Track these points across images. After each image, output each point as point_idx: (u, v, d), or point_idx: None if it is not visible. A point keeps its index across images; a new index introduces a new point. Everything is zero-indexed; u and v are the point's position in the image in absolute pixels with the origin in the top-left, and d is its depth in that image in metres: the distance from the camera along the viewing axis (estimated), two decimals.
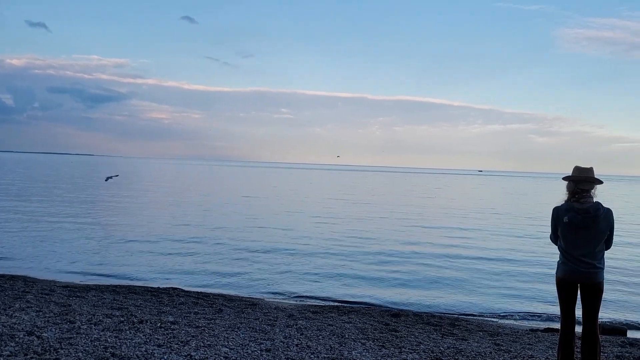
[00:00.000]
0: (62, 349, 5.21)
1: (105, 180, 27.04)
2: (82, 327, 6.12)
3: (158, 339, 5.78)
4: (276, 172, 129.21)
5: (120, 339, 5.66)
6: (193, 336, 5.98)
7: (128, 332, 6.01)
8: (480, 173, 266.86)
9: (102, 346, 5.37)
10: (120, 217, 22.02)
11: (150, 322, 6.56)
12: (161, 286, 10.15)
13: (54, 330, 5.91)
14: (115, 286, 9.83)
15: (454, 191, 61.43)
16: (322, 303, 9.65)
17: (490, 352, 6.19)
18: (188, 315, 7.30)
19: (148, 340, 5.71)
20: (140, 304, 7.99)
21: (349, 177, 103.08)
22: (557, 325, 6.16)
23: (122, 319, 6.69)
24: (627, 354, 6.47)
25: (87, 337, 5.68)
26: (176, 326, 6.45)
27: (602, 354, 6.29)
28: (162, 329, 6.24)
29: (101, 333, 5.88)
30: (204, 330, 6.34)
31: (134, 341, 5.62)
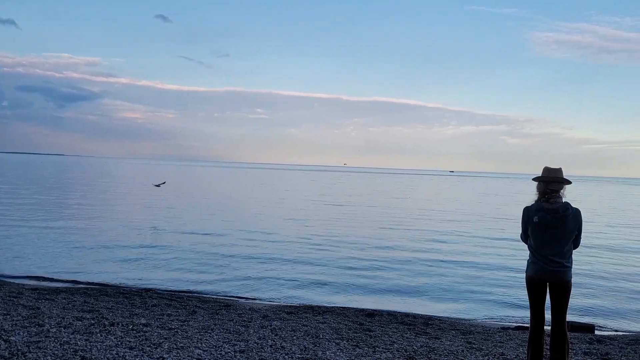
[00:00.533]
0: (30, 352, 5.10)
1: (158, 186, 26.54)
2: (51, 330, 5.99)
3: (130, 341, 5.70)
4: (252, 172, 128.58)
5: (90, 342, 5.56)
6: (166, 338, 5.91)
7: (99, 334, 5.91)
8: (451, 174, 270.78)
9: (71, 349, 5.27)
10: (91, 220, 21.63)
11: (122, 325, 6.46)
12: (133, 288, 10.02)
13: (22, 333, 5.77)
14: (86, 288, 9.66)
15: (426, 192, 62.04)
16: (297, 303, 9.64)
17: (462, 351, 6.27)
18: (161, 317, 7.21)
19: (119, 342, 5.62)
20: (111, 306, 7.87)
21: (324, 178, 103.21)
22: (528, 324, 6.28)
23: (92, 321, 6.58)
24: (594, 351, 6.63)
25: (56, 340, 5.57)
26: (148, 328, 6.36)
27: (570, 350, 6.43)
28: (134, 331, 6.15)
29: (71, 336, 5.77)
30: (177, 332, 6.27)
31: (104, 344, 5.53)
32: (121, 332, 6.10)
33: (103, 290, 9.52)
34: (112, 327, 6.29)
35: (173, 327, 6.54)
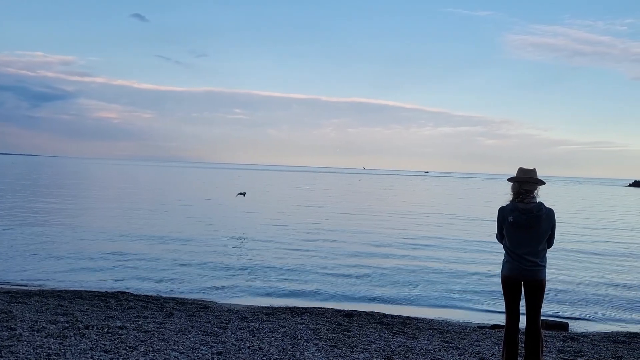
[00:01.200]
0: (2, 357, 4.98)
1: (243, 195, 25.70)
2: (23, 334, 5.87)
3: (105, 344, 5.61)
4: (231, 173, 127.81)
5: (64, 346, 5.46)
6: (142, 341, 5.84)
7: (73, 338, 5.80)
8: (426, 174, 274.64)
9: (44, 353, 5.17)
10: (66, 222, 21.26)
11: (97, 328, 6.36)
12: (109, 290, 9.87)
13: None
14: (60, 291, 9.48)
15: (403, 193, 62.45)
16: (275, 305, 9.61)
17: (440, 350, 6.32)
18: (137, 319, 7.12)
19: (94, 346, 5.53)
20: (86, 309, 7.74)
21: (302, 178, 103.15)
22: (504, 322, 6.37)
23: (66, 324, 6.46)
24: (568, 348, 6.75)
25: (29, 344, 5.45)
26: (124, 331, 6.28)
27: (545, 348, 6.54)
28: (110, 335, 6.06)
29: (44, 340, 5.65)
30: (153, 334, 6.20)
31: (79, 347, 5.43)
32: (96, 335, 6.01)
33: (78, 293, 9.36)
34: (86, 331, 6.19)
35: (149, 329, 6.46)
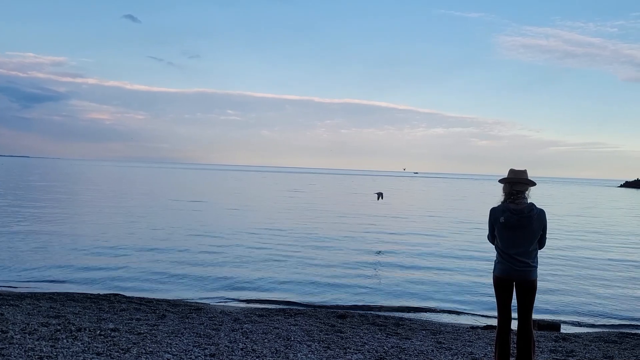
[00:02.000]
0: None
1: (378, 199, 25.17)
2: (15, 336, 5.83)
3: (97, 347, 5.59)
4: (224, 174, 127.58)
5: (56, 348, 5.44)
6: (134, 343, 5.82)
7: (65, 340, 5.78)
8: (415, 175, 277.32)
9: (36, 356, 5.14)
10: (57, 224, 21.15)
11: (89, 330, 6.33)
12: (101, 292, 9.82)
13: None
14: (52, 293, 9.42)
15: (399, 194, 62.56)
16: (269, 306, 9.61)
17: (432, 350, 6.34)
18: (130, 321, 7.09)
19: (86, 348, 5.51)
20: (78, 311, 7.70)
21: (296, 179, 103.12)
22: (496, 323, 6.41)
23: (58, 327, 6.42)
24: (560, 348, 6.80)
25: (20, 347, 5.42)
26: (117, 333, 6.25)
27: (537, 348, 6.58)
28: (102, 337, 6.04)
29: (36, 342, 5.62)
30: (145, 336, 6.18)
31: (71, 350, 5.41)
32: (88, 337, 5.98)
33: (70, 295, 9.30)
34: (79, 333, 6.16)
35: (142, 331, 6.44)
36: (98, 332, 6.27)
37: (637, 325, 9.28)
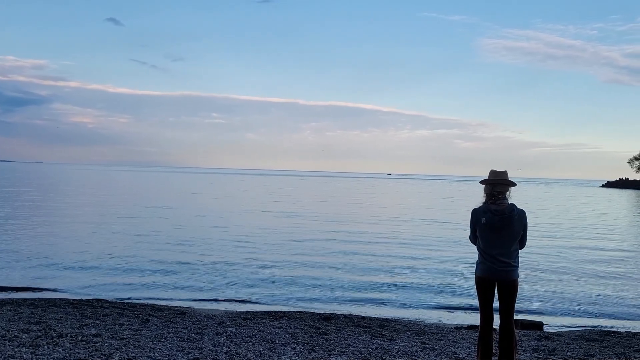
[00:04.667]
0: None
1: None
2: None
3: (79, 352, 5.52)
4: (209, 177, 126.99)
5: (37, 355, 5.36)
6: (117, 348, 5.76)
7: (46, 347, 5.70)
8: (389, 176, 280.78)
9: None
10: (39, 229, 20.88)
11: (71, 336, 6.26)
12: (84, 298, 9.72)
13: None
14: (34, 299, 9.30)
15: (385, 195, 62.79)
16: (253, 309, 9.58)
17: (417, 351, 6.37)
18: (112, 327, 7.02)
19: (68, 354, 5.44)
20: (60, 317, 7.60)
21: (280, 182, 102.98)
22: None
23: (39, 333, 6.34)
24: (542, 347, 6.87)
25: (0, 354, 5.34)
26: (99, 339, 6.19)
27: (519, 347, 6.64)
28: (84, 342, 5.97)
29: (16, 349, 5.54)
30: (128, 341, 6.12)
31: (52, 356, 5.34)
32: (70, 343, 5.91)
33: (52, 301, 9.19)
34: (60, 339, 6.08)
35: (125, 336, 6.38)
36: (80, 337, 6.20)
37: (618, 323, 9.41)
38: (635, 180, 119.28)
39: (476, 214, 4.87)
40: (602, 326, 9.11)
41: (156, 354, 5.63)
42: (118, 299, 9.93)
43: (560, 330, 8.65)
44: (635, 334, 8.18)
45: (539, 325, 8.74)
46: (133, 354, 5.57)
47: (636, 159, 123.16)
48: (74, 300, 9.38)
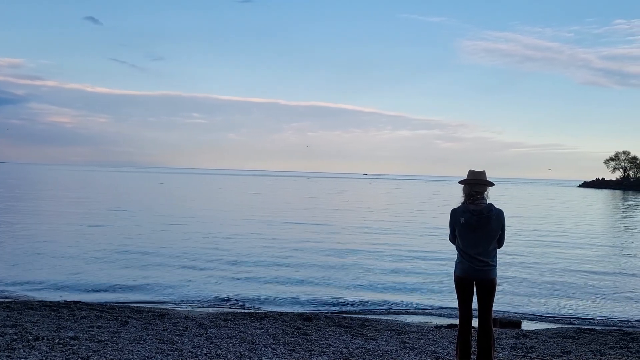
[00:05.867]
0: None
1: None
2: None
3: (55, 356, 5.44)
4: (189, 178, 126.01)
5: (12, 359, 5.27)
6: (95, 351, 5.69)
7: (22, 350, 5.60)
8: (365, 176, 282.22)
9: None
10: (14, 230, 20.50)
11: (47, 339, 6.16)
12: (61, 300, 9.57)
13: None
14: (9, 302, 9.13)
15: (366, 195, 63.00)
16: (234, 310, 9.53)
17: (397, 350, 6.41)
18: (90, 329, 6.93)
19: (44, 358, 5.35)
20: (37, 320, 7.48)
21: (255, 183, 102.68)
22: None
23: (15, 336, 6.22)
24: (520, 345, 6.95)
25: None
26: (76, 341, 6.10)
27: (498, 345, 6.73)
28: (61, 345, 5.88)
29: None
30: (106, 344, 6.04)
31: None
32: (46, 346, 5.82)
33: (28, 304, 9.03)
34: (36, 342, 5.98)
35: (103, 339, 6.30)
36: (57, 340, 6.11)
37: (594, 321, 9.58)
38: (611, 180, 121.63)
39: (455, 214, 4.92)
40: (579, 324, 9.26)
41: (135, 357, 5.57)
42: (96, 301, 9.80)
43: (537, 328, 8.77)
44: (611, 331, 8.34)
45: (517, 324, 8.85)
46: (111, 357, 5.50)
47: (612, 159, 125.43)
48: (50, 302, 9.24)
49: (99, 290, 10.85)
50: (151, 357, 5.57)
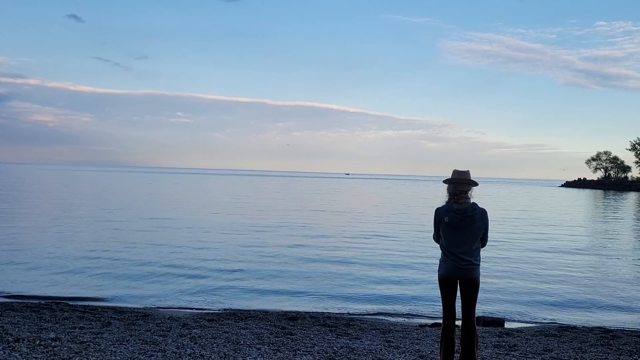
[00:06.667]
0: None
1: None
2: None
3: (36, 357, 5.37)
4: (174, 177, 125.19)
5: None
6: (76, 352, 5.62)
7: (1, 352, 5.51)
8: (347, 176, 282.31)
9: None
10: None
11: (28, 340, 6.07)
12: (43, 301, 9.44)
13: None
14: None
15: (347, 195, 63.12)
16: (219, 310, 9.49)
17: (381, 349, 6.43)
18: (72, 330, 6.85)
19: (24, 359, 5.28)
20: (17, 321, 7.37)
21: (238, 183, 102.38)
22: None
23: None
24: (503, 343, 7.02)
25: None
26: (58, 343, 6.03)
27: (481, 344, 6.78)
28: (42, 347, 5.80)
29: None
30: (89, 345, 5.98)
31: None
32: (27, 348, 5.74)
33: (8, 305, 8.90)
34: (16, 344, 5.89)
35: (85, 340, 6.23)
36: (38, 342, 6.03)
37: (576, 319, 9.70)
38: (592, 180, 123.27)
39: (439, 213, 4.95)
40: (561, 322, 9.37)
41: (117, 357, 5.52)
42: (79, 302, 9.69)
43: (520, 326, 8.85)
44: (592, 329, 8.46)
45: (500, 322, 8.93)
46: (93, 358, 5.45)
47: (593, 159, 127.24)
48: (32, 304, 9.11)
49: (82, 291, 10.72)
50: (134, 358, 5.52)
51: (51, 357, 5.39)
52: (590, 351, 6.74)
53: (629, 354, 6.67)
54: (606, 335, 7.86)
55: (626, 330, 8.43)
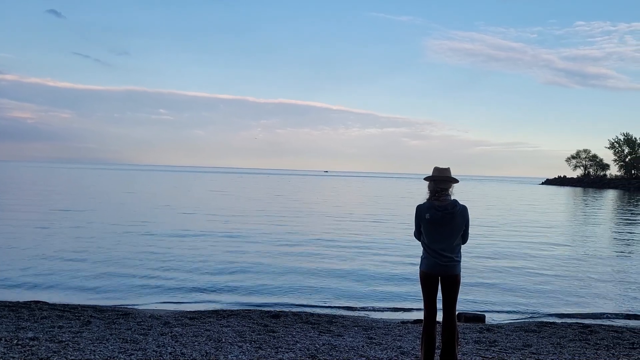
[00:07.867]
0: None
1: None
2: None
3: (13, 357, 5.28)
4: (156, 175, 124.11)
5: None
6: (55, 352, 5.54)
7: None
8: (326, 174, 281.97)
9: None
10: None
11: (6, 340, 5.97)
12: (21, 300, 9.29)
13: None
14: None
15: (334, 193, 63.19)
16: (201, 308, 9.42)
17: (363, 346, 6.45)
18: (51, 329, 6.75)
19: (1, 359, 5.19)
20: None
21: (225, 180, 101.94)
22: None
23: None
24: (484, 339, 7.09)
25: None
26: (36, 342, 5.94)
27: (462, 340, 6.84)
28: (19, 346, 5.71)
29: None
30: (67, 344, 5.90)
31: None
32: (4, 347, 5.64)
33: None
34: None
35: (64, 339, 6.15)
36: (15, 341, 5.93)
37: (555, 315, 9.83)
38: (572, 178, 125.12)
39: (420, 210, 4.97)
40: (540, 318, 9.49)
41: (97, 357, 5.45)
42: (58, 300, 9.55)
43: (501, 322, 8.95)
44: (570, 324, 8.58)
45: (481, 318, 9.02)
46: (72, 357, 5.37)
47: (573, 157, 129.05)
48: (9, 302, 8.96)
49: (61, 290, 10.57)
50: (114, 357, 5.46)
51: (29, 357, 5.31)
52: (569, 346, 6.84)
53: (606, 348, 6.78)
54: (584, 330, 7.98)
55: (604, 326, 8.56)
